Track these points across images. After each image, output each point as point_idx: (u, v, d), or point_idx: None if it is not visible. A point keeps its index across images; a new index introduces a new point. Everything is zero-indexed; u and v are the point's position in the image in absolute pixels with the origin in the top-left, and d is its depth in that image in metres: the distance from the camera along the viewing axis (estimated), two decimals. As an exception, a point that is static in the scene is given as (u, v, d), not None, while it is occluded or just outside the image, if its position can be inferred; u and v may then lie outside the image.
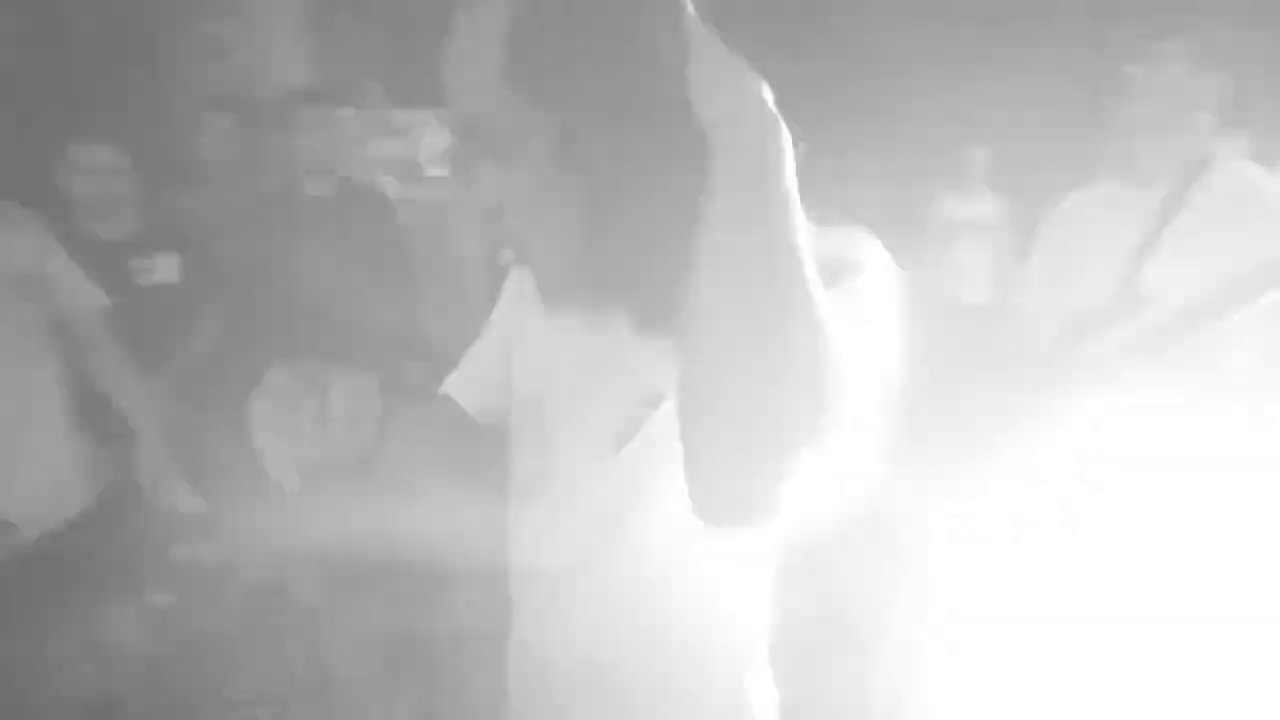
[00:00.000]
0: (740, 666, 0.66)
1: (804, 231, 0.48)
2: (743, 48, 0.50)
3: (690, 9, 0.51)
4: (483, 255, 3.11)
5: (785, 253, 0.47)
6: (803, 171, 0.49)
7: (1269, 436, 1.31)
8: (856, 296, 0.53)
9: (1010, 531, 1.48)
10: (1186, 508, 1.31)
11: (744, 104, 0.48)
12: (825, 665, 1.71)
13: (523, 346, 0.72)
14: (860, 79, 4.06)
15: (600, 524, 0.63)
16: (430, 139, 3.50)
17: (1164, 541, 1.32)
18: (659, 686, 0.64)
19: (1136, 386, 1.33)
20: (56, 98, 4.14)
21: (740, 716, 0.65)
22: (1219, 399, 1.31)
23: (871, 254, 0.56)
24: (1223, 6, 1.50)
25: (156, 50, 4.84)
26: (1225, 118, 1.42)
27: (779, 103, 0.49)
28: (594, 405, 0.63)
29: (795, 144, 0.50)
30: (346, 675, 2.15)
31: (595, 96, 0.51)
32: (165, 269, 2.07)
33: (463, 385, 0.79)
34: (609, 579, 0.64)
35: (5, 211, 1.53)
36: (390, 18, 3.86)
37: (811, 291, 0.47)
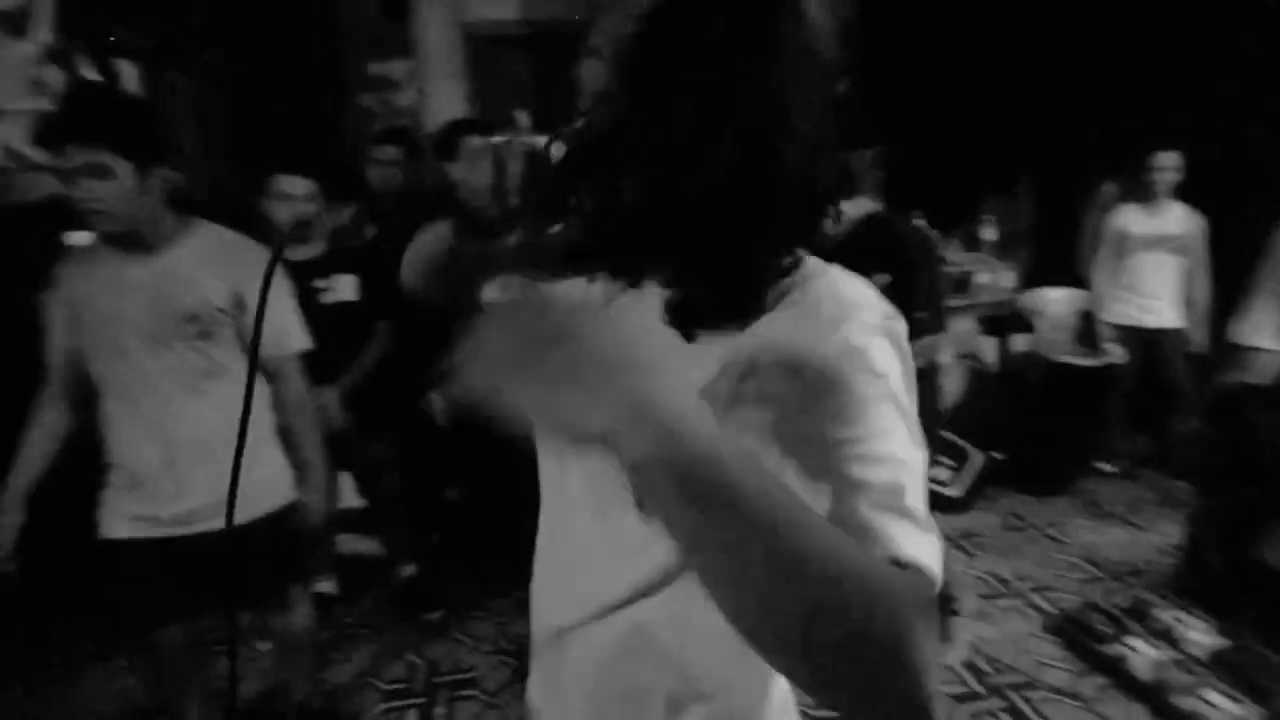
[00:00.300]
0: None
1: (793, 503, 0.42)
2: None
3: None
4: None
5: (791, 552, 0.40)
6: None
7: None
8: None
9: None
10: None
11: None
12: None
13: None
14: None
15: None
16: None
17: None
18: None
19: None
20: (261, 133, 4.66)
21: None
22: None
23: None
24: None
25: (337, 88, 5.35)
26: None
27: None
28: None
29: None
30: (486, 676, 2.24)
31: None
32: (344, 288, 2.28)
33: None
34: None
35: (248, 246, 1.61)
36: (537, 53, 4.08)
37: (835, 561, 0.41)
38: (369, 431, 2.36)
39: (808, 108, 0.56)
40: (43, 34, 2.81)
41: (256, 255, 1.58)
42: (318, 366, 2.23)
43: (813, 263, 0.62)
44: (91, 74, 3.16)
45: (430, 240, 0.78)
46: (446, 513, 2.92)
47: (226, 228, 1.62)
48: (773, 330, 0.58)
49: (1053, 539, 2.99)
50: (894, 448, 0.54)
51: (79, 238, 2.08)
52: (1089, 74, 3.70)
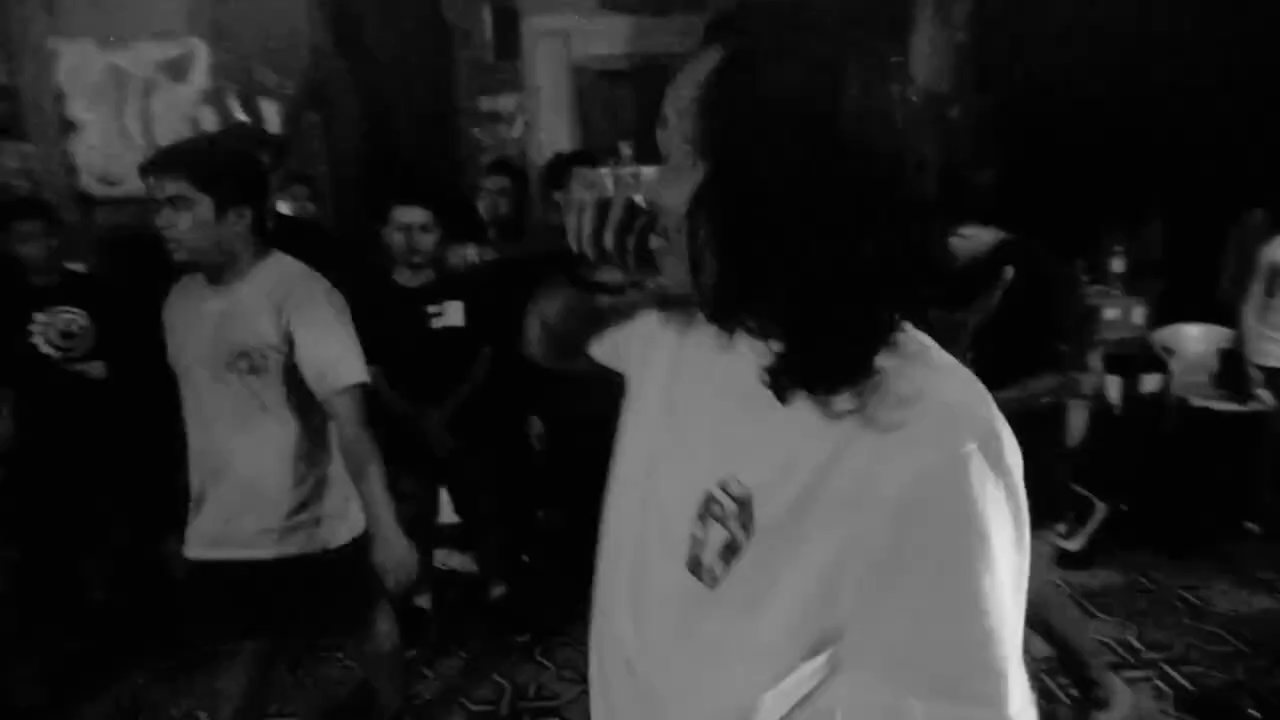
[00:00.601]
0: None
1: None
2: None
3: None
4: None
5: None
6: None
7: None
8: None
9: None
10: None
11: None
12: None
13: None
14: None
15: None
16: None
17: None
18: None
19: None
20: (383, 166, 4.97)
21: None
22: None
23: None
24: None
25: (451, 123, 5.65)
26: None
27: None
28: None
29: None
30: (568, 705, 2.23)
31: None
32: (452, 314, 2.37)
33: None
34: None
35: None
36: (641, 85, 4.16)
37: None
38: (469, 451, 2.43)
39: (912, 156, 0.52)
40: (200, 78, 3.11)
41: (308, 288, 1.60)
42: (425, 389, 2.35)
43: (914, 342, 0.56)
44: (240, 114, 3.49)
45: (549, 303, 0.78)
46: (537, 534, 2.97)
47: (299, 260, 1.65)
48: (862, 419, 0.52)
49: (1189, 604, 2.70)
50: (967, 629, 0.50)
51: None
52: (1231, 87, 3.41)
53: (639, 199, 0.60)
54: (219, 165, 1.52)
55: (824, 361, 0.54)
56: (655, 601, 0.64)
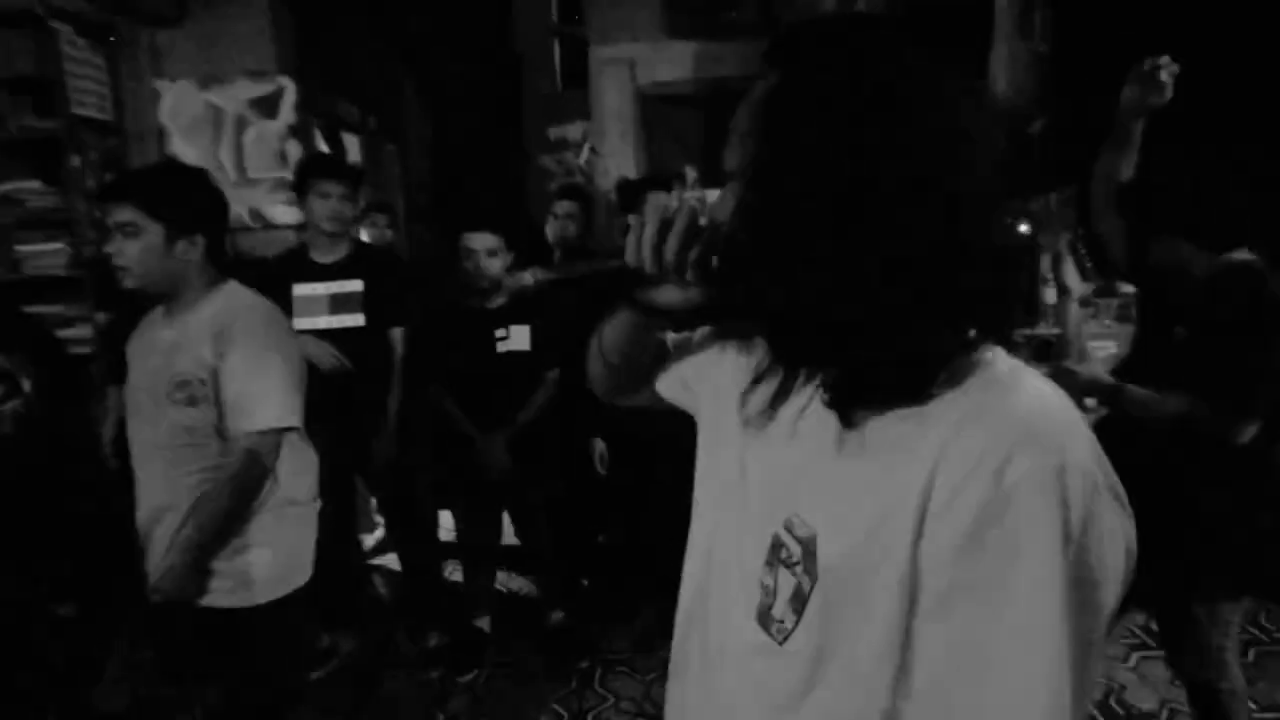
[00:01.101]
0: None
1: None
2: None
3: None
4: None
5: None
6: None
7: None
8: None
9: None
10: None
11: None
12: None
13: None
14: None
15: None
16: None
17: None
18: None
19: None
20: (456, 194, 5.15)
21: None
22: None
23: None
24: None
25: (521, 151, 5.82)
26: None
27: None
28: None
29: None
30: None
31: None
32: (518, 338, 2.41)
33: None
34: None
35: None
36: (706, 110, 4.18)
37: None
38: (530, 476, 2.45)
39: (973, 156, 0.50)
40: (287, 114, 3.29)
41: (249, 321, 1.51)
42: (489, 412, 2.38)
43: (1004, 364, 0.52)
44: (323, 146, 3.67)
45: (610, 332, 0.78)
46: (596, 559, 2.95)
47: (252, 290, 1.58)
48: (928, 441, 0.49)
49: (1305, 657, 2.47)
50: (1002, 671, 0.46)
51: (304, 290, 2.39)
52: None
53: (702, 218, 0.60)
54: (170, 193, 1.48)
55: (884, 369, 0.51)
56: (724, 661, 0.61)
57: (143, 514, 1.55)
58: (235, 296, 1.55)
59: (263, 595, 1.52)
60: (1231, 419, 1.49)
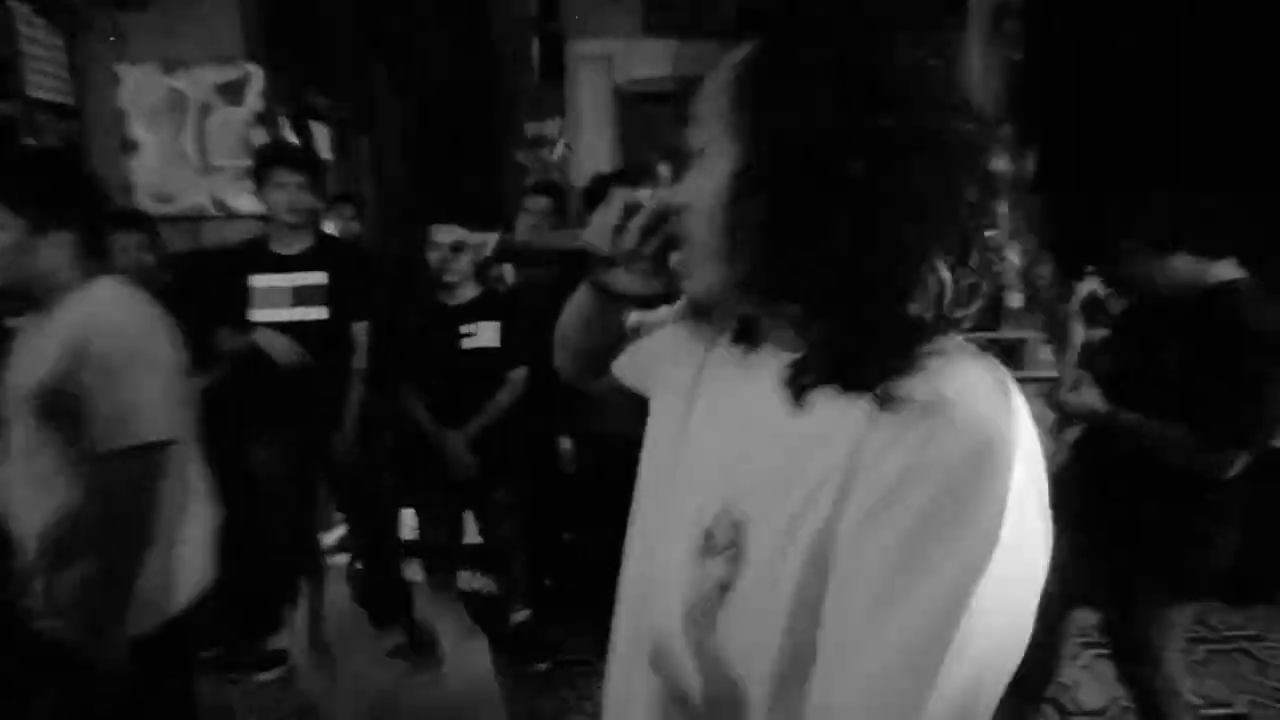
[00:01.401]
0: None
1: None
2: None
3: None
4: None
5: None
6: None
7: None
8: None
9: None
10: None
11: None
12: None
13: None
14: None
15: None
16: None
17: None
18: None
19: None
20: (426, 187, 5.09)
21: None
22: None
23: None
24: None
25: (495, 146, 5.77)
26: None
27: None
28: None
29: None
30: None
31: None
32: (485, 335, 2.38)
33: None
34: None
35: None
36: (683, 107, 4.18)
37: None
38: (494, 473, 2.42)
39: (954, 119, 0.50)
40: (253, 101, 3.22)
41: (118, 322, 1.31)
42: (453, 409, 2.35)
43: (948, 347, 0.51)
44: (290, 135, 3.59)
45: (574, 311, 0.77)
46: (561, 557, 2.93)
47: (131, 286, 1.39)
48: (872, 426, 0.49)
49: (1251, 657, 2.54)
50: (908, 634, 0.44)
51: (265, 281, 2.34)
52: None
53: (664, 205, 0.60)
54: (31, 184, 1.32)
55: (862, 346, 0.50)
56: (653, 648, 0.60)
57: (16, 533, 1.36)
58: (102, 294, 1.34)
59: (147, 620, 1.33)
60: (1221, 452, 1.49)
